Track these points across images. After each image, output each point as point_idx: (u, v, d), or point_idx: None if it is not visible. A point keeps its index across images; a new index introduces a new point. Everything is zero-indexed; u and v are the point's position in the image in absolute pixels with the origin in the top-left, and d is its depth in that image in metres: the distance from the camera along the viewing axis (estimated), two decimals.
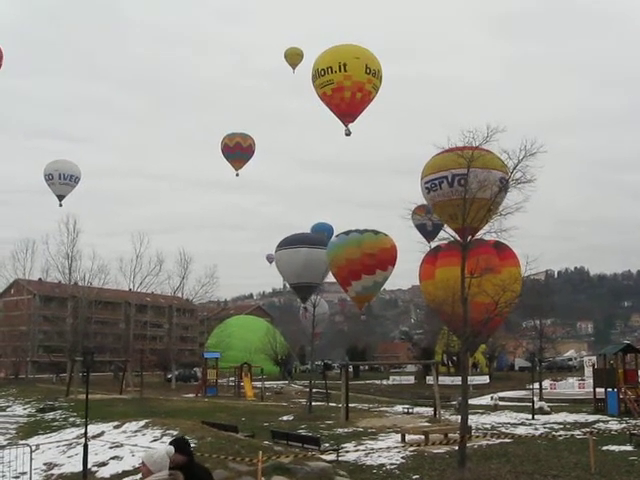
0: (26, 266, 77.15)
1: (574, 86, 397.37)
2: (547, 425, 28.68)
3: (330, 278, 67.10)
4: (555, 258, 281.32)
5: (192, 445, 17.93)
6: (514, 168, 17.66)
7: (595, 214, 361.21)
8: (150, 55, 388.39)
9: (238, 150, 66.94)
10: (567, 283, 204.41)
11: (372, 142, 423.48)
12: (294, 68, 64.86)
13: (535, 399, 34.81)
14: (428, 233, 62.66)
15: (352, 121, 46.26)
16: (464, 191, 18.51)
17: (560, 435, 24.11)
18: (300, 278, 70.32)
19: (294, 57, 64.41)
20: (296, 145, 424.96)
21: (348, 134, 45.98)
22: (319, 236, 78.43)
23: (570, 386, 52.28)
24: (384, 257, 63.88)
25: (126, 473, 16.68)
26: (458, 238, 19.26)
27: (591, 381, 38.61)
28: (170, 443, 6.77)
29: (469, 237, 18.30)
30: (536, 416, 31.97)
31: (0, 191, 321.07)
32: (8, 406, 45.64)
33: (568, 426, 28.11)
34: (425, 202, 49.77)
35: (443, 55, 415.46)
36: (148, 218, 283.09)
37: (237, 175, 67.82)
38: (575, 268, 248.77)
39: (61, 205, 64.55)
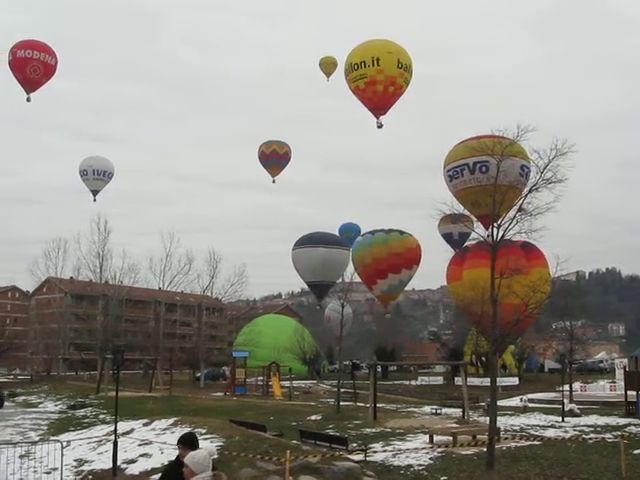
0: (58, 265, 78.47)
1: (607, 85, 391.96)
2: (577, 428, 28.29)
3: (357, 277, 67.17)
4: (586, 259, 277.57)
5: (220, 444, 18.10)
6: (544, 168, 17.43)
7: (627, 214, 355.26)
8: (182, 56, 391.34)
9: (275, 157, 67.92)
10: (598, 284, 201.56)
11: (402, 142, 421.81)
12: (328, 77, 65.41)
13: (565, 401, 34.42)
14: (454, 242, 62.87)
15: (384, 114, 46.44)
16: (494, 181, 18.40)
17: (590, 438, 23.80)
18: (317, 277, 71.10)
19: (329, 66, 65.10)
20: (327, 145, 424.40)
21: (380, 126, 46.30)
22: (337, 236, 79.03)
23: (601, 388, 51.68)
24: (410, 256, 64.15)
25: (155, 470, 16.81)
26: (488, 238, 19.08)
27: (622, 384, 38.12)
28: (179, 439, 6.75)
29: (496, 230, 18.07)
30: (566, 418, 31.59)
31: (34, 191, 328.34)
32: (40, 402, 46.34)
33: (599, 429, 27.72)
34: (449, 198, 50.09)
35: (476, 54, 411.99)
36: (179, 218, 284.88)
37: (274, 182, 68.73)
38: (607, 269, 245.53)
39: (95, 200, 65.13)
